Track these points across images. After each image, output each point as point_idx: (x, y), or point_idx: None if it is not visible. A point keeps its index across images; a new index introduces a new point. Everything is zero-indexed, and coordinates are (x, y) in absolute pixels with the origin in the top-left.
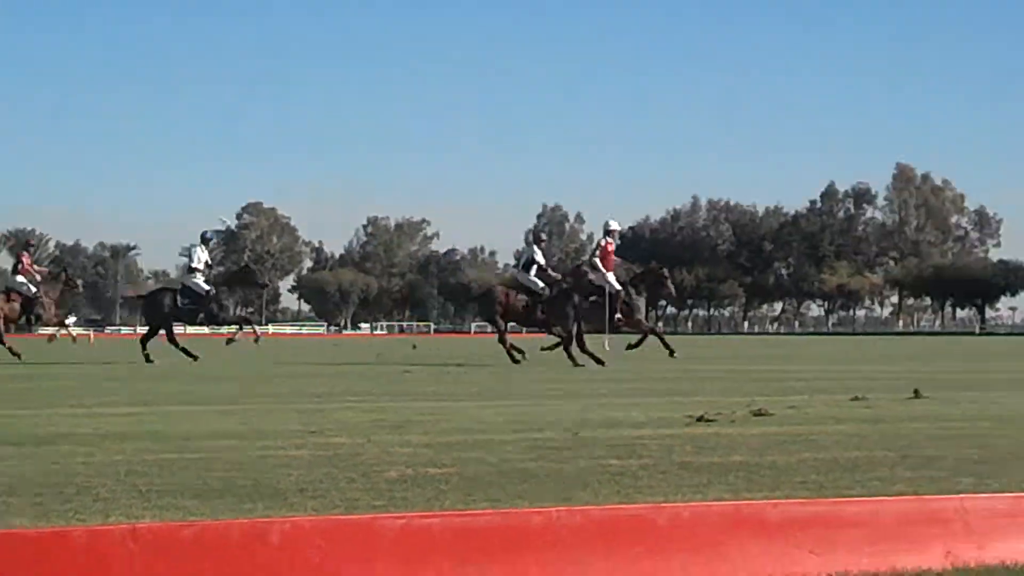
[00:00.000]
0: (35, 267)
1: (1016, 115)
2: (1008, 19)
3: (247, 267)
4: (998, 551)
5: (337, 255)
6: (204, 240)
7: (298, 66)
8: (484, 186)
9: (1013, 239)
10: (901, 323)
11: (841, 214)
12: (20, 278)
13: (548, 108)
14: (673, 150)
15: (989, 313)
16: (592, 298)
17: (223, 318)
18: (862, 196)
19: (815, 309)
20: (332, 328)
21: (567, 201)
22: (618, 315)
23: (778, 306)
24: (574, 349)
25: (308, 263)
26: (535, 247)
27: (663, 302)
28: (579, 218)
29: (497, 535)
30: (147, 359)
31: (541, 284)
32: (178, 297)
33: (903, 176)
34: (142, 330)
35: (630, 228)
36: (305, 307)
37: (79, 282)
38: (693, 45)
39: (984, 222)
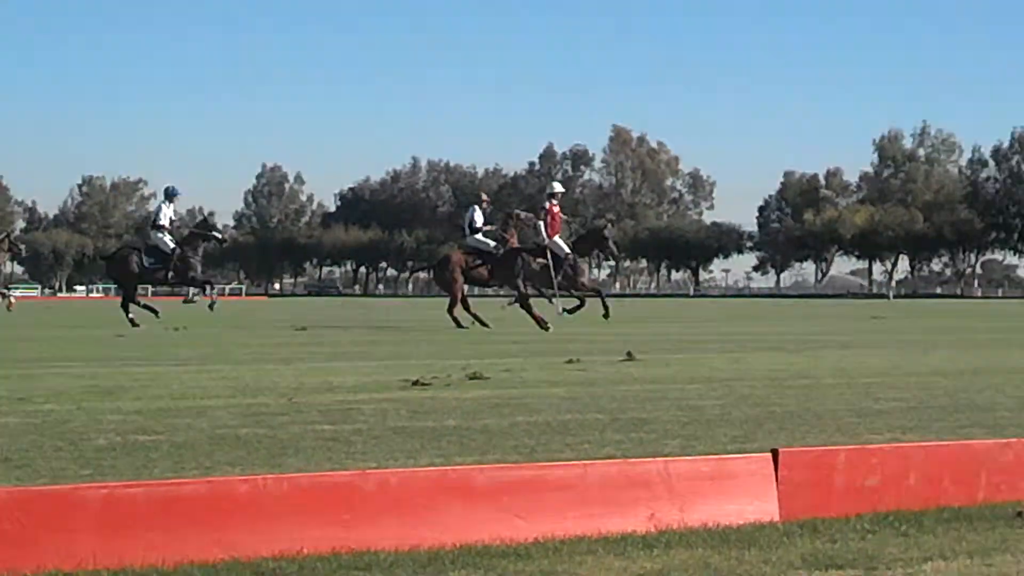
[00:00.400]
0: None
1: (728, 79)
2: None
3: (204, 221)
4: (700, 513)
5: (51, 215)
6: (169, 195)
7: (13, 22)
8: (202, 145)
9: (725, 202)
10: (618, 285)
11: (559, 176)
12: None
13: (267, 66)
14: (393, 111)
15: (703, 275)
16: (539, 260)
17: (192, 277)
18: (579, 158)
19: None
20: (47, 291)
21: (287, 161)
22: (559, 278)
23: None
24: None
25: (21, 223)
26: (475, 208)
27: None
28: (299, 178)
29: (203, 504)
30: (134, 323)
31: (492, 243)
32: (143, 257)
33: (619, 138)
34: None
35: (350, 189)
36: (18, 269)
37: (23, 247)
38: (412, 6)
39: (698, 185)
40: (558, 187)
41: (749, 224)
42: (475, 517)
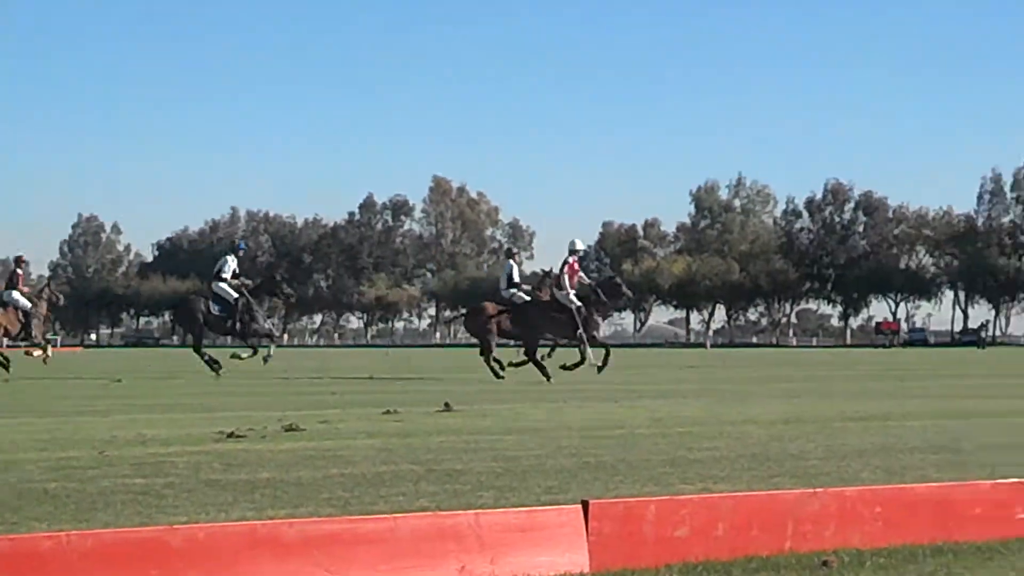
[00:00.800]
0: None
1: (545, 130)
2: (522, 42)
3: (272, 277)
4: (511, 565)
5: None
6: (234, 249)
7: None
8: (15, 194)
9: (545, 252)
10: (439, 335)
11: (379, 226)
12: (16, 294)
13: (82, 113)
14: (211, 160)
15: None
16: (558, 314)
17: (254, 329)
18: (399, 208)
19: (355, 321)
20: None
21: (103, 211)
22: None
23: (318, 318)
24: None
25: None
26: (511, 263)
27: None
28: (116, 228)
29: (6, 562)
30: (213, 365)
31: (527, 298)
32: (210, 304)
33: (439, 189)
34: None
35: (168, 239)
36: None
37: (61, 298)
38: (226, 54)
39: (518, 235)
40: (580, 244)
41: None
42: (285, 571)
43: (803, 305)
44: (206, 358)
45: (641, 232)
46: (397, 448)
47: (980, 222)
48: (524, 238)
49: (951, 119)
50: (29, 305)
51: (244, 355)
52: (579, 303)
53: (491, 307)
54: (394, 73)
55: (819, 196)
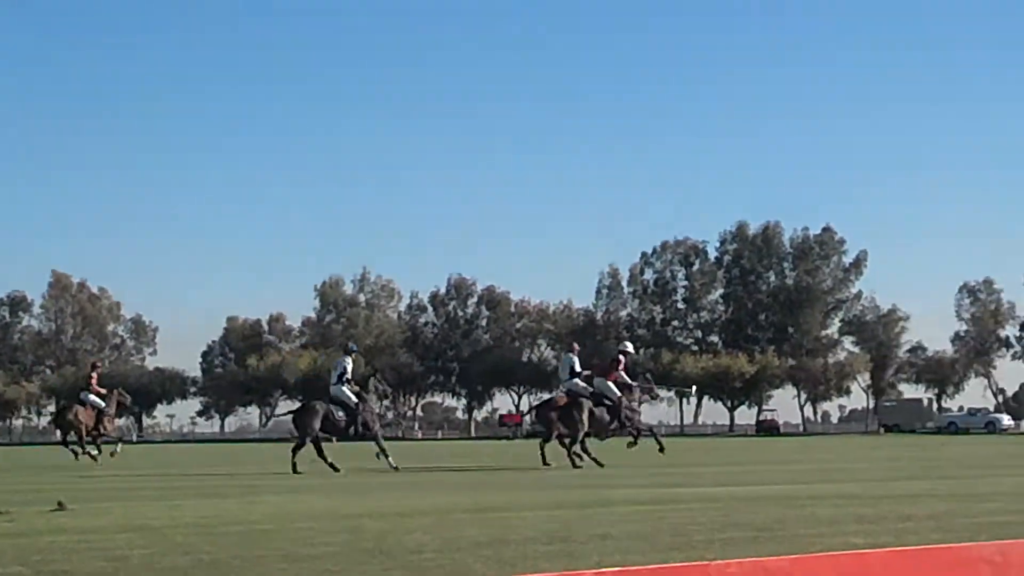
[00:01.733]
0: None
1: (168, 224)
2: (137, 137)
3: (375, 373)
4: None
5: None
6: (348, 352)
7: None
8: None
9: (169, 347)
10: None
11: None
12: (91, 395)
13: None
14: None
15: (147, 421)
16: (599, 407)
17: (376, 431)
18: (17, 304)
19: None
20: None
21: None
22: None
23: None
24: (576, 447)
25: None
26: (571, 356)
27: None
28: None
29: None
30: (295, 469)
31: (589, 388)
32: (332, 410)
33: (59, 284)
34: None
35: None
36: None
37: (128, 398)
38: None
39: (140, 330)
40: (630, 347)
41: (193, 369)
42: None
43: (428, 398)
44: (295, 461)
45: (266, 327)
46: (5, 549)
47: (599, 316)
48: (147, 333)
49: (571, 215)
50: (103, 404)
51: (382, 457)
52: (620, 393)
53: (561, 399)
54: (9, 164)
55: (443, 291)
